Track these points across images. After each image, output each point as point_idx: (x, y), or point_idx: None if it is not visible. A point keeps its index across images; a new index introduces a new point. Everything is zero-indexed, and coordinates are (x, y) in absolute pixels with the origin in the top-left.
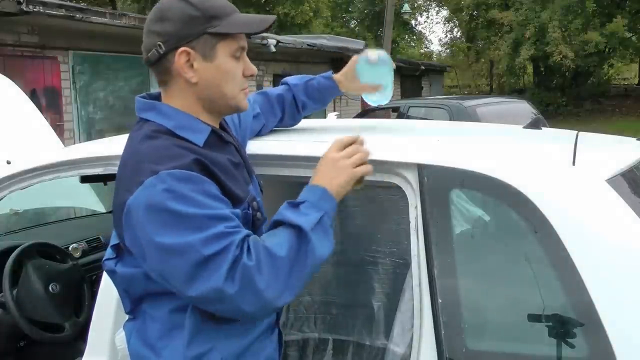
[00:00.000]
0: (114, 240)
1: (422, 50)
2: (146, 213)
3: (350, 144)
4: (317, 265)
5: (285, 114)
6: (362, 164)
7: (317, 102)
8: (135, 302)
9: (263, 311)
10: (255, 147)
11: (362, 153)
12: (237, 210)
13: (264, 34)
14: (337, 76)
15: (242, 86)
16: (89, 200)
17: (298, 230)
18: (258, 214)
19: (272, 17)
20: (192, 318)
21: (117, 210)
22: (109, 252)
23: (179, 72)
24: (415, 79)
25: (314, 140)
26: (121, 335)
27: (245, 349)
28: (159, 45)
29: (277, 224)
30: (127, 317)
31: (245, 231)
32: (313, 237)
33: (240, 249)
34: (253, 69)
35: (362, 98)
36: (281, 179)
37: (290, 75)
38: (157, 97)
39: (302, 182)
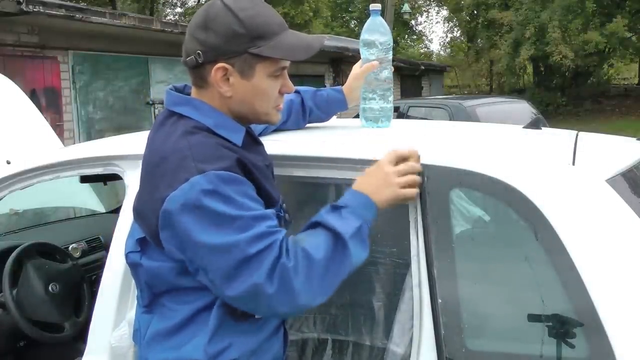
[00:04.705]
0: (137, 234)
1: (422, 50)
2: (191, 211)
3: (406, 158)
4: (351, 271)
5: (290, 118)
6: (411, 185)
7: (323, 112)
8: (156, 296)
9: (294, 312)
10: None
11: (415, 175)
12: (273, 211)
13: None
14: (344, 90)
15: (275, 103)
16: (89, 200)
17: (337, 235)
18: (287, 215)
19: (320, 42)
20: (217, 315)
21: (150, 204)
22: (131, 245)
23: (213, 84)
24: (415, 78)
25: (315, 140)
26: (117, 334)
27: (258, 346)
28: (198, 53)
29: (316, 224)
30: (126, 317)
31: (284, 231)
32: (350, 244)
33: (280, 248)
34: (290, 87)
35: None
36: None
37: (289, 74)
38: (182, 90)
39: (300, 182)
